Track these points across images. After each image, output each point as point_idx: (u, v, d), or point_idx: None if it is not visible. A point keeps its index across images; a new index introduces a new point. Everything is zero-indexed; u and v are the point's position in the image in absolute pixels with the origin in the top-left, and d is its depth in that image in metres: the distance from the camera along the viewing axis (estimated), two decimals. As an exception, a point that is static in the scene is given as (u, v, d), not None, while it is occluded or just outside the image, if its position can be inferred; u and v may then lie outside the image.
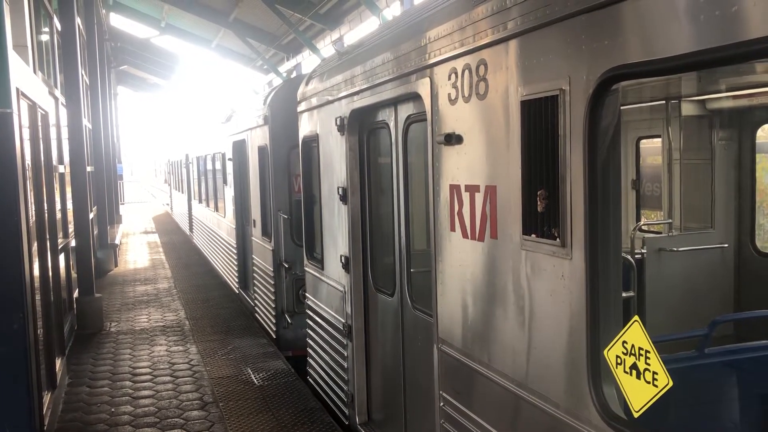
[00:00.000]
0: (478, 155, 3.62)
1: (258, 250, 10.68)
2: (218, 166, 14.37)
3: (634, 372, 2.63)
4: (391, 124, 5.13)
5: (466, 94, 3.70)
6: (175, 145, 27.09)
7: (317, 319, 7.11)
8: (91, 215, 12.55)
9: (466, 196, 3.74)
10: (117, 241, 18.97)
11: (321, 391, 7.20)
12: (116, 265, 17.60)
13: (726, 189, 5.50)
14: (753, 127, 5.42)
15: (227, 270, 13.93)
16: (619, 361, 2.68)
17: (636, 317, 2.67)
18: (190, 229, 21.64)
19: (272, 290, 9.67)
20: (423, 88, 4.20)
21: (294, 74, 25.05)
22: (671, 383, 2.47)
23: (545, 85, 2.95)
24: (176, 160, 25.97)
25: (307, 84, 7.22)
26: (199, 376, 8.35)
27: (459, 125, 3.79)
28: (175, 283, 15.07)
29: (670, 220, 5.90)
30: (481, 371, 3.68)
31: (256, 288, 10.95)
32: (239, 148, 11.79)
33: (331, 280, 6.55)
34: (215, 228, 15.44)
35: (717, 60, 2.22)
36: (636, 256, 5.14)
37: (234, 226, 12.60)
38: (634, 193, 6.87)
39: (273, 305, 9.65)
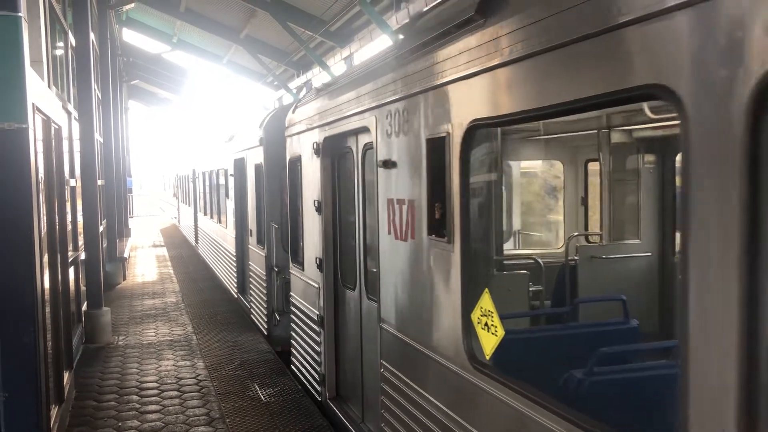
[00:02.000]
0: (404, 177, 4.74)
1: (253, 256, 11.78)
2: (221, 181, 15.65)
3: (486, 328, 3.77)
4: (354, 150, 6.24)
5: (397, 131, 4.85)
6: (183, 161, 28.69)
7: (298, 313, 8.24)
8: (101, 228, 12.61)
9: (397, 208, 4.87)
10: (126, 255, 19.03)
11: (300, 375, 8.30)
12: (125, 279, 17.66)
13: (651, 206, 6.34)
14: (673, 153, 6.20)
15: (228, 276, 15.00)
16: (478, 321, 3.80)
17: (487, 289, 3.81)
18: (196, 240, 23.04)
19: (264, 292, 10.74)
20: (371, 123, 5.37)
21: (304, 91, 25.22)
22: (503, 332, 3.64)
23: (439, 129, 4.13)
24: (184, 175, 27.79)
25: (293, 112, 8.40)
26: (206, 392, 8.35)
27: (393, 154, 4.92)
28: (182, 297, 15.09)
29: (600, 232, 6.84)
30: (406, 341, 4.81)
31: (251, 291, 12.07)
32: (239, 165, 12.97)
33: (309, 279, 7.67)
34: (218, 238, 16.60)
35: (530, 117, 3.45)
36: (571, 262, 6.19)
37: (234, 236, 13.75)
38: (583, 208, 7.76)
39: (265, 305, 10.73)
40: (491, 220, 4.54)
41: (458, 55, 3.88)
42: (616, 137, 6.73)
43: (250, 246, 12.16)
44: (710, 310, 2.15)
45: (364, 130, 5.67)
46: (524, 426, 3.25)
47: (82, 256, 10.64)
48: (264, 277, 10.74)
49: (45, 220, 6.15)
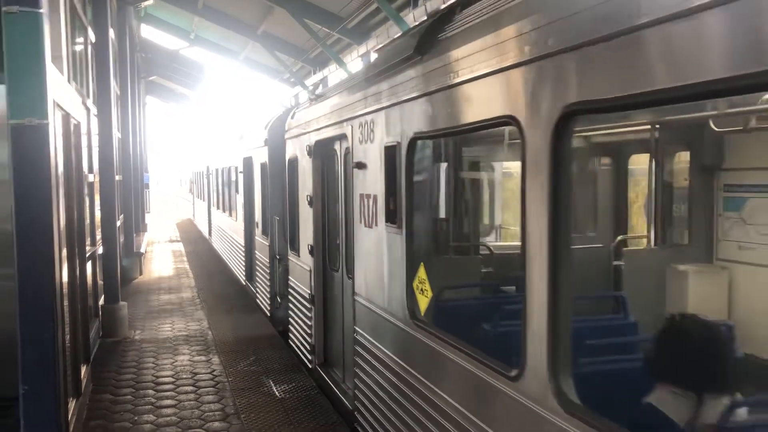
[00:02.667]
0: (371, 176, 5.77)
1: (259, 246, 13.05)
2: (233, 177, 16.96)
3: (421, 292, 4.89)
4: (338, 153, 7.31)
5: (366, 139, 5.87)
6: (198, 157, 30.39)
7: (295, 294, 9.45)
8: (118, 223, 12.70)
9: (366, 201, 5.92)
10: (142, 250, 19.16)
11: (296, 347, 9.56)
12: (141, 273, 17.78)
13: (605, 203, 6.82)
14: (626, 156, 6.60)
15: (237, 265, 16.37)
16: (417, 287, 4.91)
17: (422, 263, 4.93)
18: (209, 233, 24.61)
19: (268, 278, 11.91)
20: (348, 131, 6.45)
21: (320, 87, 25.27)
22: (431, 294, 4.83)
23: (393, 139, 5.18)
24: (199, 171, 29.41)
25: (291, 117, 9.61)
26: (221, 387, 8.39)
27: (363, 157, 5.96)
28: (198, 293, 15.17)
29: (627, 229, 7.28)
30: (371, 308, 5.93)
31: (257, 277, 13.29)
32: (248, 163, 14.25)
33: (303, 264, 8.86)
34: (229, 231, 18.05)
35: (452, 133, 4.58)
36: (595, 259, 6.57)
37: (243, 228, 15.03)
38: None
39: (268, 290, 11.90)
40: (437, 211, 5.70)
41: (403, 83, 5.00)
42: (577, 142, 7.56)
43: (256, 237, 13.43)
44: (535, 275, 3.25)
45: (344, 136, 6.73)
46: (446, 364, 4.33)
47: (100, 250, 10.72)
48: (268, 265, 11.91)
49: (64, 215, 6.20)
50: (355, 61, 21.18)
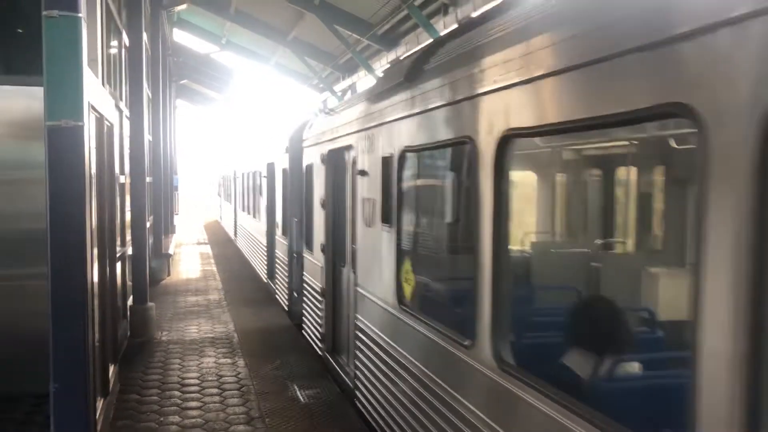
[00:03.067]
0: (371, 182, 6.67)
1: (279, 245, 13.99)
2: (257, 181, 18.08)
3: (406, 282, 5.78)
4: (346, 161, 8.08)
5: (368, 149, 6.80)
6: (226, 161, 32.19)
7: (308, 288, 10.43)
8: (148, 225, 12.84)
9: (368, 204, 6.81)
10: (171, 251, 19.35)
11: (308, 336, 10.54)
12: (169, 275, 17.95)
13: (593, 210, 7.28)
14: (612, 169, 6.96)
15: (260, 264, 17.48)
16: (404, 278, 5.81)
17: (408, 257, 5.89)
18: (235, 234, 25.93)
19: (286, 274, 12.79)
20: (354, 143, 7.39)
21: (349, 93, 25.36)
22: (414, 283, 5.69)
23: (388, 151, 6.10)
24: (226, 175, 31.02)
25: (309, 128, 10.77)
26: (246, 390, 8.42)
27: (366, 166, 6.87)
28: (225, 295, 15.27)
29: (548, 231, 7.86)
30: (369, 297, 6.85)
31: (277, 274, 14.32)
32: (270, 169, 15.32)
33: (316, 261, 9.78)
34: (253, 231, 19.27)
35: (433, 148, 5.38)
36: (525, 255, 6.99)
37: (265, 230, 16.10)
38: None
39: (287, 285, 12.78)
40: (424, 213, 6.30)
41: (396, 104, 5.86)
42: (567, 155, 8.07)
43: (277, 237, 14.46)
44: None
45: (351, 147, 7.58)
46: (429, 344, 5.17)
47: (129, 251, 10.85)
48: (286, 263, 12.81)
49: (95, 216, 6.28)
50: (384, 68, 21.20)
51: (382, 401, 6.36)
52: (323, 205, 9.14)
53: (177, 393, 8.33)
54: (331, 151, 8.69)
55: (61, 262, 4.74)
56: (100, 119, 6.85)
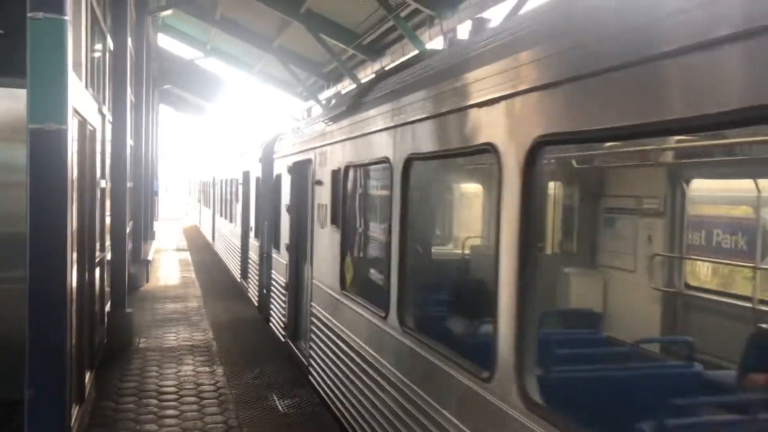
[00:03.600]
0: (324, 191, 7.95)
1: (252, 247, 15.09)
2: (234, 188, 19.29)
3: (348, 271, 7.09)
4: (308, 173, 9.10)
5: (322, 163, 8.15)
6: (205, 168, 33.38)
7: (275, 283, 11.77)
8: (127, 230, 12.72)
9: (322, 208, 8.10)
10: (150, 257, 19.17)
11: (274, 326, 11.81)
12: (148, 281, 17.78)
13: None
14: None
15: (234, 265, 18.60)
16: (346, 268, 7.13)
17: (349, 252, 7.24)
18: (213, 238, 26.98)
19: (258, 273, 13.96)
20: (312, 157, 8.66)
21: (334, 101, 25.40)
22: (353, 272, 7.12)
23: (336, 165, 7.42)
24: (205, 181, 32.08)
25: (279, 141, 12.20)
26: (224, 399, 8.35)
27: (321, 176, 8.18)
28: (204, 303, 15.15)
29: (480, 236, 8.91)
30: (321, 286, 8.13)
31: (249, 274, 15.47)
32: (246, 176, 16.43)
33: (282, 259, 11.04)
34: (229, 235, 20.39)
35: (369, 165, 6.74)
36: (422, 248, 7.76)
37: (240, 233, 17.26)
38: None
39: (257, 283, 13.95)
40: (360, 216, 7.37)
41: (342, 127, 7.26)
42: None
43: (250, 240, 15.57)
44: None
45: (310, 161, 8.83)
46: (359, 318, 6.46)
47: (108, 256, 10.73)
48: (258, 263, 13.97)
49: (76, 220, 6.21)
50: (368, 77, 21.24)
51: (327, 372, 7.67)
52: (288, 210, 10.39)
53: (154, 401, 8.23)
54: (295, 163, 9.97)
55: (40, 266, 4.68)
56: (83, 123, 6.80)
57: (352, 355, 6.65)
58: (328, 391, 7.58)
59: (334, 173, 7.50)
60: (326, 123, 8.09)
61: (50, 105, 4.60)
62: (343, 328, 7.06)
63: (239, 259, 17.32)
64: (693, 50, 2.45)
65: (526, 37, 3.68)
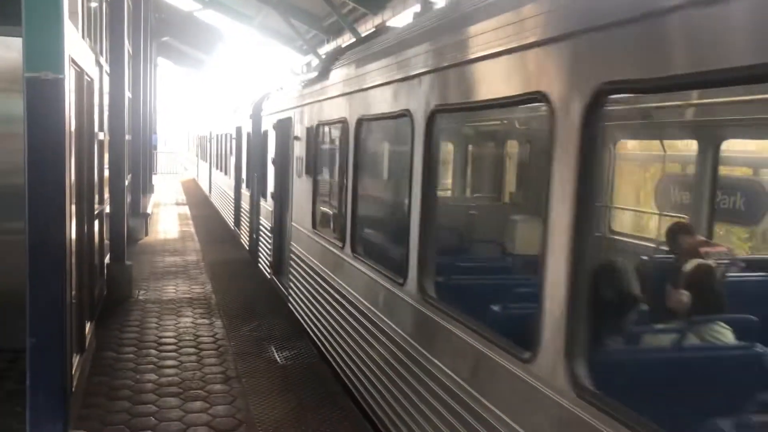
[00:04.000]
0: (301, 145, 9.16)
1: (243, 197, 16.32)
2: (228, 142, 20.41)
3: (316, 212, 8.74)
4: (290, 129, 10.15)
5: (299, 121, 9.39)
6: (203, 123, 34.45)
7: (262, 228, 13.12)
8: (126, 183, 12.71)
9: (299, 160, 9.33)
10: (149, 211, 19.20)
11: (261, 266, 13.21)
12: (147, 235, 17.84)
13: (480, 173, 10.22)
14: (501, 142, 9.39)
15: (228, 214, 19.99)
16: (316, 210, 8.66)
17: (318, 196, 8.68)
18: (210, 190, 28.31)
19: (248, 220, 15.18)
20: (293, 115, 9.90)
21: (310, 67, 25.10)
22: (321, 212, 8.65)
23: (310, 123, 8.70)
24: (203, 135, 33.13)
25: (267, 100, 13.30)
26: (223, 351, 8.46)
27: (299, 132, 9.37)
28: (203, 256, 15.23)
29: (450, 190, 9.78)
30: (297, 227, 9.50)
31: (241, 221, 16.76)
32: (238, 132, 17.59)
33: (268, 206, 12.40)
34: (224, 186, 21.69)
35: (331, 123, 8.08)
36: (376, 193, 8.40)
37: (233, 184, 18.43)
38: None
39: (248, 229, 15.22)
40: (326, 166, 8.45)
41: (316, 90, 8.42)
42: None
43: (242, 191, 16.70)
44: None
45: (291, 119, 10.03)
46: (325, 249, 7.87)
47: (107, 209, 10.74)
48: (248, 211, 15.15)
49: (74, 172, 6.19)
50: (369, 32, 20.96)
51: (302, 297, 9.09)
52: (273, 162, 11.69)
53: (153, 351, 8.35)
54: (279, 120, 11.16)
55: (39, 218, 4.69)
56: (80, 73, 6.72)
57: (320, 280, 8.06)
58: (303, 315, 9.08)
59: (309, 130, 8.76)
60: (302, 86, 9.45)
61: (47, 53, 4.54)
62: (313, 259, 8.52)
63: (233, 208, 18.53)
64: None
65: None
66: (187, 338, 8.92)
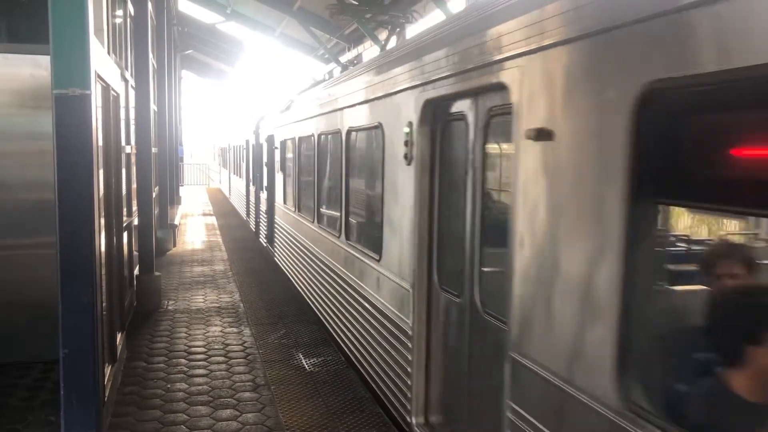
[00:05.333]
0: (280, 153, 14.37)
1: (250, 192, 21.27)
2: (240, 152, 25.61)
3: (287, 194, 13.59)
4: (274, 141, 14.41)
5: (277, 137, 14.74)
6: (223, 135, 39.89)
7: (262, 213, 17.47)
8: (153, 195, 12.89)
9: (279, 163, 14.52)
10: (176, 222, 19.43)
11: (260, 239, 17.96)
12: (174, 245, 18.05)
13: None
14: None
15: (241, 207, 25.33)
16: (287, 193, 13.61)
17: (289, 185, 13.36)
18: (229, 192, 33.41)
19: (254, 208, 19.57)
20: (274, 132, 14.94)
21: (355, 64, 25.24)
22: (291, 194, 13.05)
23: (283, 139, 13.80)
24: (223, 147, 38.50)
25: (262, 120, 17.65)
26: (252, 359, 8.53)
27: (277, 145, 14.68)
28: (230, 266, 15.37)
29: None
30: (280, 207, 14.28)
31: (250, 210, 21.38)
32: (247, 143, 22.06)
33: (263, 195, 16.76)
34: (238, 186, 27.03)
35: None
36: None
37: (245, 184, 23.38)
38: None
39: (254, 214, 19.69)
40: (293, 165, 11.85)
41: (287, 116, 12.88)
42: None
43: (249, 188, 21.66)
44: None
45: (274, 135, 14.69)
46: (296, 221, 11.89)
47: (135, 221, 10.91)
48: (254, 202, 19.93)
49: (102, 185, 6.32)
50: (390, 41, 21.02)
51: (283, 253, 13.31)
52: (266, 164, 16.33)
53: (183, 361, 8.44)
54: (269, 136, 15.89)
55: (69, 231, 4.79)
56: (106, 89, 6.86)
57: (295, 242, 11.73)
58: (284, 264, 13.45)
59: (282, 143, 13.58)
60: (280, 113, 13.72)
61: (73, 70, 4.65)
62: (288, 227, 12.65)
63: (245, 202, 23.69)
64: None
65: None
66: (216, 347, 9.01)
